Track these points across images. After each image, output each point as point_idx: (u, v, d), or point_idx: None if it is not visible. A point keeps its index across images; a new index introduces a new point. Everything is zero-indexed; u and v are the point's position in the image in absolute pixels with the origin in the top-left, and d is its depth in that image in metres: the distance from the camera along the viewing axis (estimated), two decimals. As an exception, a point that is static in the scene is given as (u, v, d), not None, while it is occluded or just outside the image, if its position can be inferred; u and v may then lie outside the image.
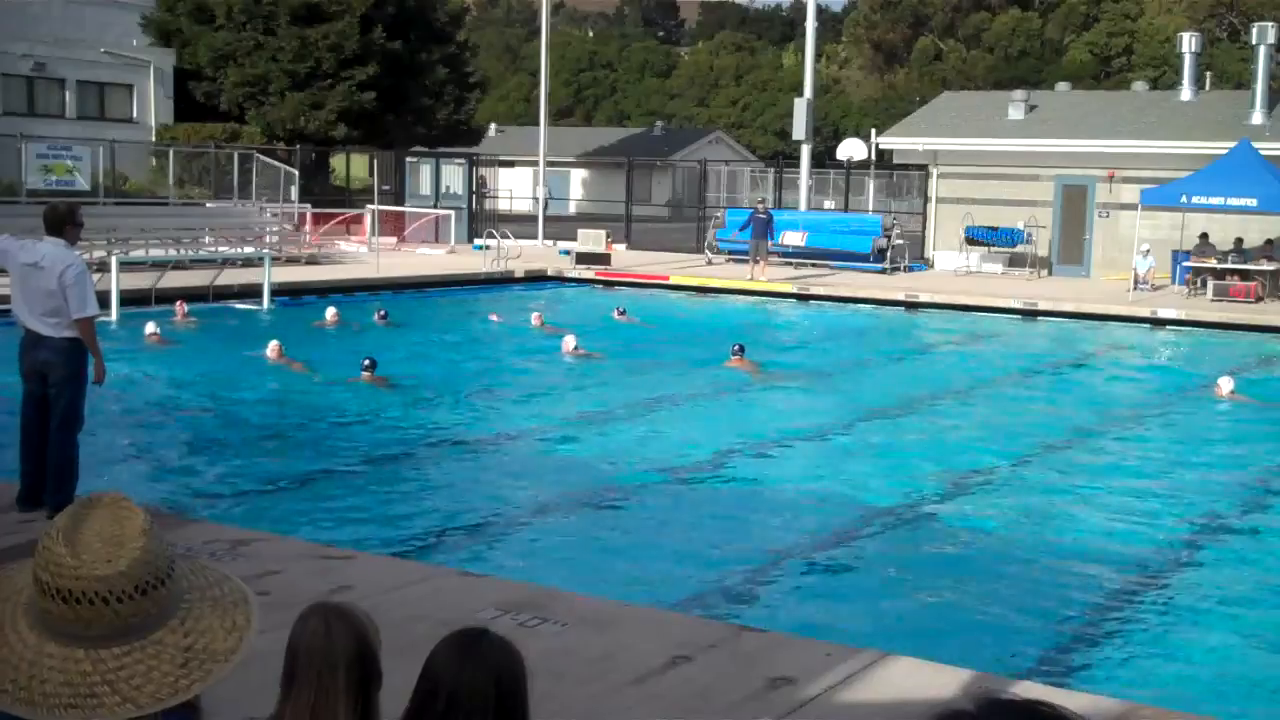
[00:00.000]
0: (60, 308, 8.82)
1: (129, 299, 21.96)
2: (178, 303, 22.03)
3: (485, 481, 12.51)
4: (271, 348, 18.06)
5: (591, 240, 34.14)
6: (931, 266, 35.03)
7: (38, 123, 36.59)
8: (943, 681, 6.27)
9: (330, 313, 22.27)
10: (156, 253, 27.52)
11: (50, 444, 9.03)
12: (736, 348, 19.52)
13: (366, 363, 16.85)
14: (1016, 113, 36.00)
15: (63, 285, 8.75)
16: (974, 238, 33.71)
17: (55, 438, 9.03)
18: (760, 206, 32.47)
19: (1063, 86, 43.25)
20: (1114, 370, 20.80)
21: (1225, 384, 17.72)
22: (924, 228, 36.79)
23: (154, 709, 2.05)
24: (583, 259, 32.62)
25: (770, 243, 31.75)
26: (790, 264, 33.86)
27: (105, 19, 41.48)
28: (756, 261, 30.71)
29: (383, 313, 22.56)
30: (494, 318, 24.24)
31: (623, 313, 24.76)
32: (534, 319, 23.42)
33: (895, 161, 40.57)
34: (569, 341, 20.18)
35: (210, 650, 2.12)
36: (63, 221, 9.05)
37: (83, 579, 2.02)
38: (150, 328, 19.67)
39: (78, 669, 2.02)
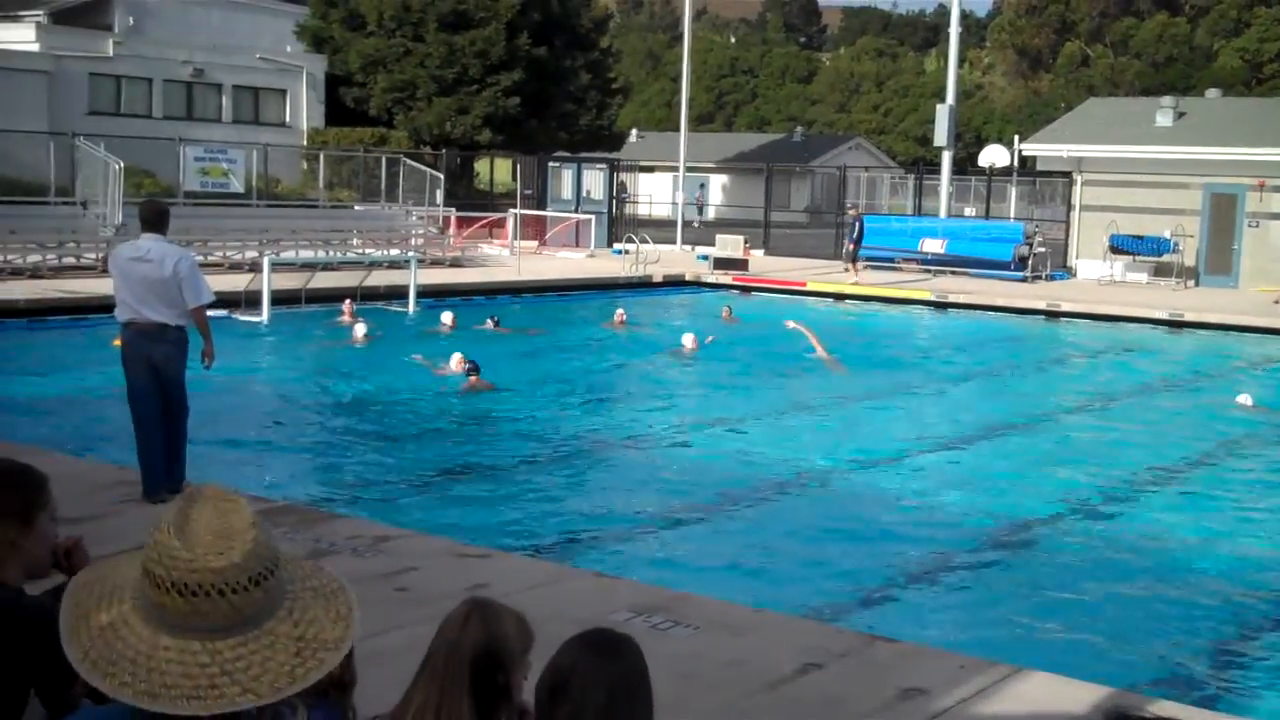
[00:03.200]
0: (175, 299, 9.08)
1: (279, 299, 22.51)
2: (346, 302, 22.41)
3: (616, 484, 12.61)
4: (455, 360, 17.72)
5: (729, 246, 34.19)
6: (1074, 275, 34.44)
7: (195, 126, 37.81)
8: (1079, 697, 6.21)
9: (447, 317, 22.03)
10: (306, 254, 28.19)
11: (175, 428, 9.32)
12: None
13: (469, 366, 16.74)
14: (1164, 119, 35.23)
15: (178, 277, 9.03)
16: (1119, 246, 33.07)
17: (177, 425, 9.33)
18: (852, 212, 32.66)
19: (1213, 93, 42.22)
20: (1260, 386, 20.26)
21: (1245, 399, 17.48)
22: (1067, 236, 36.18)
23: (273, 699, 2.07)
24: (720, 264, 32.68)
25: (849, 246, 32.24)
26: (929, 271, 33.59)
27: (261, 26, 42.70)
28: (852, 264, 31.54)
29: (495, 319, 22.43)
30: (619, 316, 24.11)
31: (730, 313, 24.83)
32: (617, 317, 23.77)
33: (1038, 168, 39.96)
34: (689, 339, 20.74)
35: (320, 639, 2.15)
36: (164, 217, 9.39)
37: (198, 571, 2.05)
38: (360, 330, 20.26)
39: (195, 661, 2.04)
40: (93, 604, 2.16)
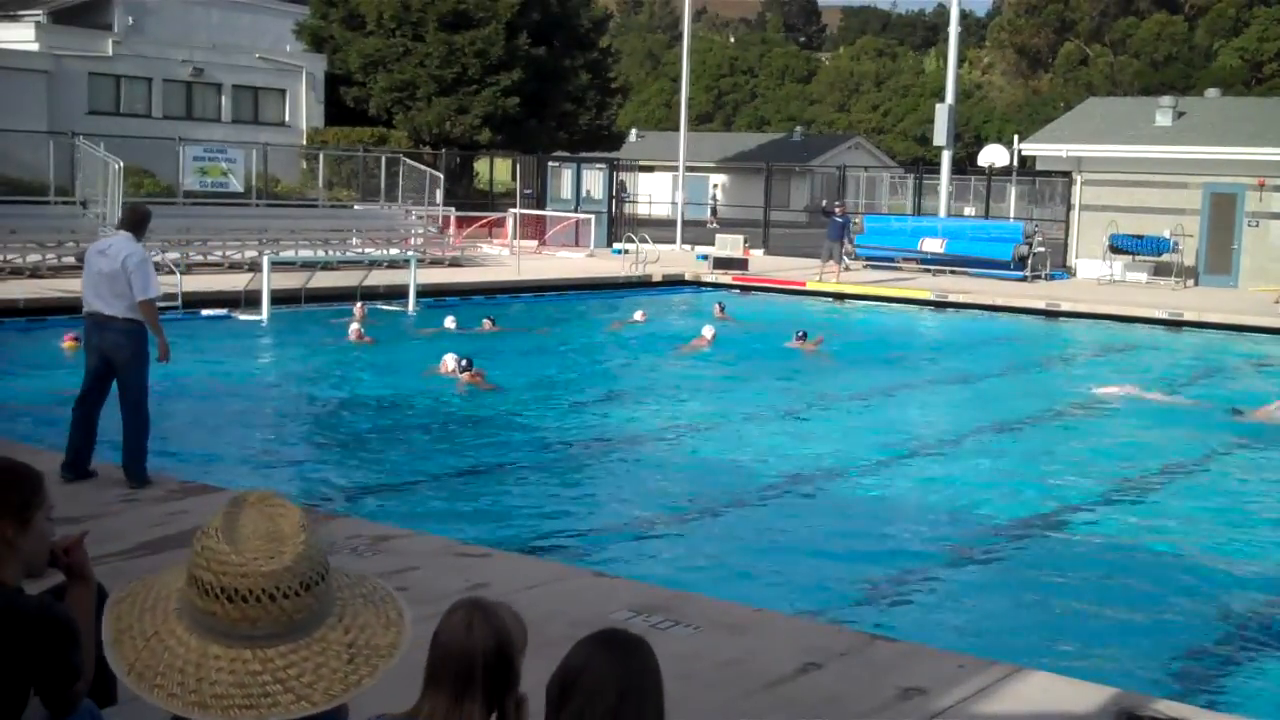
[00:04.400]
0: (123, 291, 9.41)
1: (279, 299, 22.54)
2: (358, 305, 22.17)
3: (616, 483, 12.62)
4: (448, 359, 17.39)
5: (729, 245, 34.19)
6: (1074, 275, 34.46)
7: (195, 126, 37.85)
8: (1079, 697, 6.22)
9: (449, 322, 21.81)
10: (306, 253, 28.20)
11: (125, 422, 9.64)
12: (800, 333, 21.39)
13: (464, 363, 16.72)
14: (1164, 119, 35.24)
15: (126, 270, 9.36)
16: (1118, 246, 33.08)
17: (128, 416, 9.62)
18: (838, 209, 32.65)
19: (1212, 92, 42.23)
20: (1259, 384, 20.26)
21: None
22: (1066, 235, 36.20)
23: (327, 706, 2.05)
24: (720, 264, 32.69)
25: (846, 244, 32.12)
26: (929, 271, 33.64)
27: (260, 25, 42.74)
28: (828, 261, 31.23)
29: (491, 319, 22.31)
30: (639, 315, 24.50)
31: (723, 310, 24.89)
32: (639, 315, 24.28)
33: (1038, 168, 39.99)
34: (708, 330, 21.53)
35: (373, 645, 2.14)
36: (142, 221, 9.84)
37: (249, 576, 2.00)
38: (353, 326, 20.32)
39: (247, 669, 2.01)
40: (135, 616, 2.13)
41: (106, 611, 2.15)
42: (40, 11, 37.53)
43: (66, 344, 17.47)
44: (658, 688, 3.04)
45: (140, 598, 2.15)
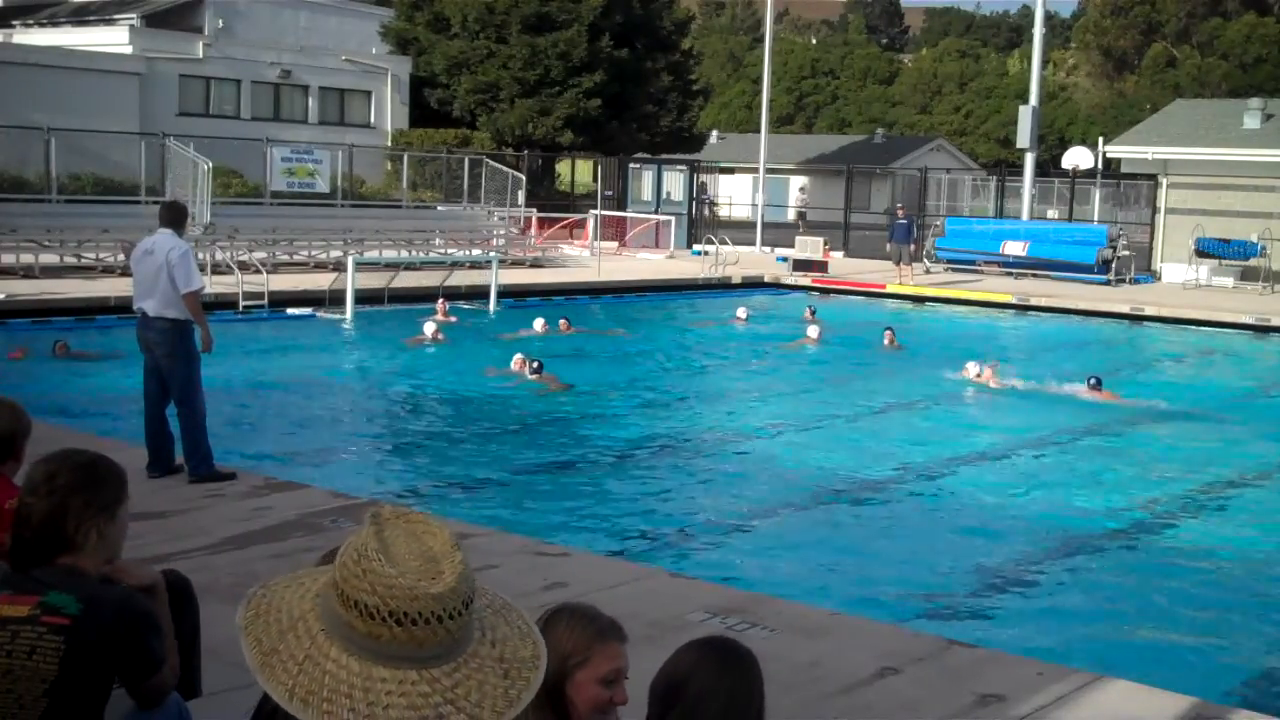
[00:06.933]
0: (165, 290, 9.56)
1: (362, 298, 22.80)
2: (440, 301, 22.81)
3: (696, 484, 12.64)
4: (516, 360, 17.57)
5: (809, 247, 34.07)
6: (1158, 279, 33.99)
7: (282, 127, 38.37)
8: (1160, 706, 6.16)
9: (537, 324, 21.75)
10: (390, 254, 28.52)
11: (178, 418, 9.82)
12: (888, 328, 22.01)
13: (535, 365, 16.79)
14: (1252, 121, 34.69)
15: (169, 264, 9.52)
16: (1204, 250, 32.58)
17: (178, 412, 9.81)
18: (900, 211, 32.65)
19: (1305, 94, 41.51)
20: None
21: (973, 368, 18.45)
22: (1151, 239, 35.71)
23: None
24: (799, 266, 32.60)
25: (910, 247, 32.23)
26: (1010, 274, 33.36)
27: (347, 28, 43.28)
28: (900, 264, 31.56)
29: (566, 320, 22.22)
30: (741, 312, 24.98)
31: (813, 314, 24.88)
32: (740, 312, 24.93)
33: (1123, 171, 39.47)
34: (813, 331, 22.01)
35: (519, 658, 2.11)
36: (182, 216, 10.06)
37: (419, 599, 1.98)
38: (429, 326, 20.47)
39: (416, 691, 1.98)
40: (276, 639, 2.09)
41: (243, 636, 2.10)
42: (134, 15, 38.26)
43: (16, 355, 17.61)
44: (760, 699, 3.07)
45: (271, 618, 2.11)
